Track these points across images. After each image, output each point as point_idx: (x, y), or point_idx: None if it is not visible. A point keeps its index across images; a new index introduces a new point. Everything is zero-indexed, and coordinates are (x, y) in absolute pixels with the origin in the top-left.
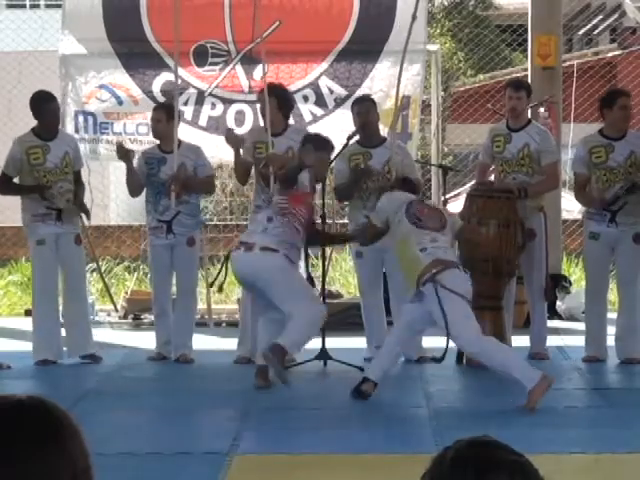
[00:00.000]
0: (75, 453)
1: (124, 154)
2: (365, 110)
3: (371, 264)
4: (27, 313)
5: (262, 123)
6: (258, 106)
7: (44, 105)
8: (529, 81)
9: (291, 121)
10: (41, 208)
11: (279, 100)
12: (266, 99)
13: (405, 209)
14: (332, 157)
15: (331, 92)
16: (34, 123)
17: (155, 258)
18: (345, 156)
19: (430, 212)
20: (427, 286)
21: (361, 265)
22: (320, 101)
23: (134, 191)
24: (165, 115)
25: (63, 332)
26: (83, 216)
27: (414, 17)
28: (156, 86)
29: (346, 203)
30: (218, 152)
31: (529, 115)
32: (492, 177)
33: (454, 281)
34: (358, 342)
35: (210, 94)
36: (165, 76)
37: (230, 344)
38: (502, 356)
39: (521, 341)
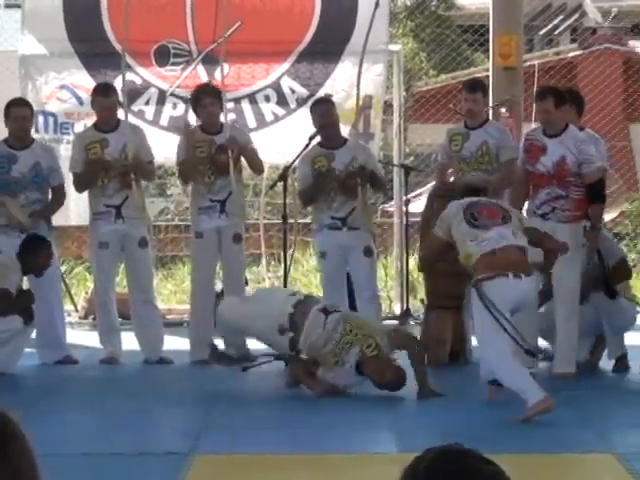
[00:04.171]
0: (19, 462)
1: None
2: (326, 111)
3: (335, 264)
4: None
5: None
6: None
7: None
8: (490, 81)
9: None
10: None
11: (220, 100)
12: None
13: (463, 211)
14: (294, 158)
15: (293, 92)
16: None
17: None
18: (308, 159)
19: (489, 212)
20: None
21: (325, 265)
22: (282, 101)
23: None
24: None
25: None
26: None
27: (377, 5)
28: (117, 86)
29: None
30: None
31: (490, 115)
32: (452, 178)
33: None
34: None
35: (172, 94)
36: (126, 76)
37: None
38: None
39: None
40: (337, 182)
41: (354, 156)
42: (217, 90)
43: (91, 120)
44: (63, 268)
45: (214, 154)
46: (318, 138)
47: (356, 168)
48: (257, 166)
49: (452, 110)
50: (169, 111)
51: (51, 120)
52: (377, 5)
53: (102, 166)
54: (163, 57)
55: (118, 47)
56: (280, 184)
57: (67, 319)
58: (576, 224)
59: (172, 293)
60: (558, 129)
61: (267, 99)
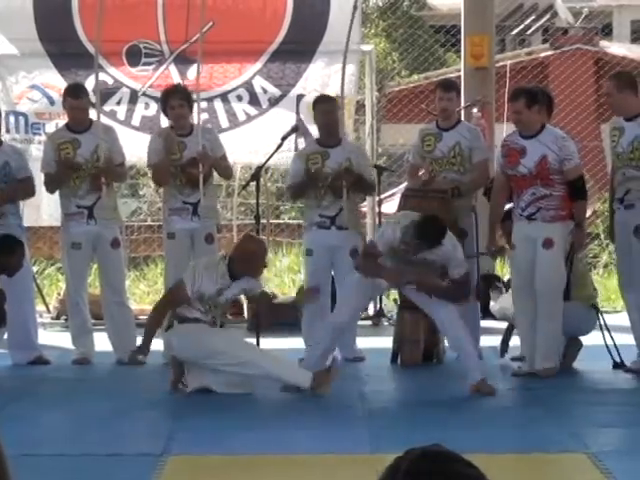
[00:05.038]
0: None
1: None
2: (331, 109)
3: (320, 262)
4: None
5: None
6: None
7: None
8: (462, 81)
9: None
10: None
11: (189, 102)
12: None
13: None
14: (267, 158)
15: (265, 92)
16: None
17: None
18: (304, 156)
19: None
20: None
21: (310, 262)
22: (254, 101)
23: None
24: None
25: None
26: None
27: (355, 7)
28: (88, 86)
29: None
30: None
31: (462, 115)
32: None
33: None
34: (293, 342)
35: (143, 94)
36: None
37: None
38: None
39: None
40: (325, 182)
41: (348, 157)
42: (186, 91)
43: (62, 120)
44: (35, 269)
45: (185, 165)
46: (292, 137)
47: (342, 169)
48: (227, 175)
49: (425, 110)
50: (141, 111)
51: (22, 120)
52: (355, 8)
53: (71, 167)
54: (134, 57)
55: (89, 47)
56: (253, 184)
57: (39, 320)
58: (563, 223)
59: (145, 294)
60: (534, 129)
61: (239, 99)
